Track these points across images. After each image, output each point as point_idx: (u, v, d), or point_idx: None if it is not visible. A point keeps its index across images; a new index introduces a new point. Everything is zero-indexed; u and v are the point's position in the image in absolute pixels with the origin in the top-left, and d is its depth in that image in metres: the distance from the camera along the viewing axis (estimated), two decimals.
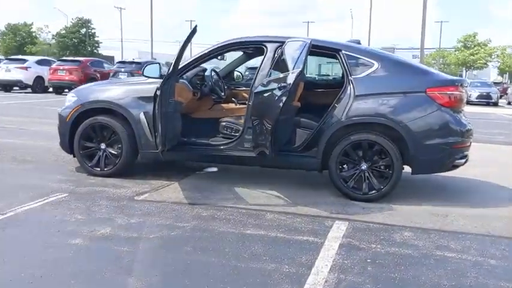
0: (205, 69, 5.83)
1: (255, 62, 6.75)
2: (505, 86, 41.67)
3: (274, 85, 4.46)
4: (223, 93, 5.88)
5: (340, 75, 5.56)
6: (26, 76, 21.26)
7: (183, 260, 3.18)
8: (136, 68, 19.31)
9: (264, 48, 5.09)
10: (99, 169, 5.39)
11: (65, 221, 3.88)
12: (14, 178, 5.27)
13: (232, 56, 6.58)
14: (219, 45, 5.27)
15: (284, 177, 5.61)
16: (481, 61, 59.70)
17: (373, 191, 4.73)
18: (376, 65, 4.87)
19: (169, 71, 4.67)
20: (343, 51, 4.98)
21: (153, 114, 4.98)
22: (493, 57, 62.27)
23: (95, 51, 61.41)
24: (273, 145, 4.41)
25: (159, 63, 5.28)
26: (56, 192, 4.66)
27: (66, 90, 19.70)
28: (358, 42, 5.50)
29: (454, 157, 4.77)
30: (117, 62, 24.15)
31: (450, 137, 4.69)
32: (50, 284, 2.83)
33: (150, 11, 43.14)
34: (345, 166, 4.85)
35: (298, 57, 4.37)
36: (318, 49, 5.06)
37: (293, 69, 4.36)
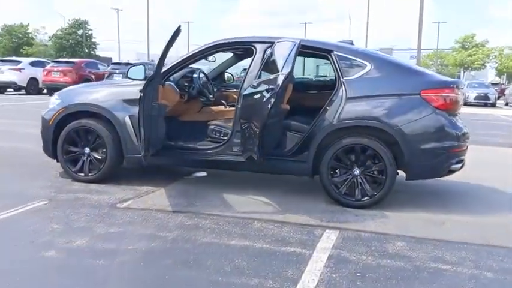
0: (193, 71, 5.64)
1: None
2: (502, 86, 41.56)
3: (262, 87, 4.28)
4: (211, 96, 5.70)
5: None
6: (20, 78, 21.07)
7: (161, 274, 2.99)
8: None
9: (253, 49, 4.91)
10: (83, 174, 5.20)
11: (40, 231, 3.68)
12: None
13: (222, 57, 6.40)
14: (206, 46, 5.08)
15: (275, 182, 5.42)
16: (478, 62, 59.77)
17: (366, 198, 4.55)
18: (368, 66, 4.68)
19: (153, 73, 4.48)
20: (334, 52, 4.80)
21: (138, 117, 4.79)
22: (490, 58, 62.37)
23: (92, 52, 61.23)
24: (260, 149, 4.23)
25: (144, 65, 5.08)
26: (35, 199, 4.47)
27: None
28: (351, 43, 5.31)
29: (450, 162, 4.58)
30: (112, 63, 23.93)
31: (446, 141, 4.51)
32: None
33: (147, 11, 42.96)
34: (336, 171, 4.67)
35: (287, 59, 4.19)
36: (308, 50, 4.88)
37: (281, 71, 4.18)
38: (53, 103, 5.44)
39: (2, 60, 24.59)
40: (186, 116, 5.64)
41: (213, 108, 5.77)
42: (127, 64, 21.12)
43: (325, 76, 17.13)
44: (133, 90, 4.89)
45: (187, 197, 4.72)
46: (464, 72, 62.34)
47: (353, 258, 3.34)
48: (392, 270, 3.15)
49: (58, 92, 5.78)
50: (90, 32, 62.69)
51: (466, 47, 61.12)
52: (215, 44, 5.08)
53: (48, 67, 21.18)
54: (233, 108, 5.20)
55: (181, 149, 4.97)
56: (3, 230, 3.75)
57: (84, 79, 19.46)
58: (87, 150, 5.19)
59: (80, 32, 61.65)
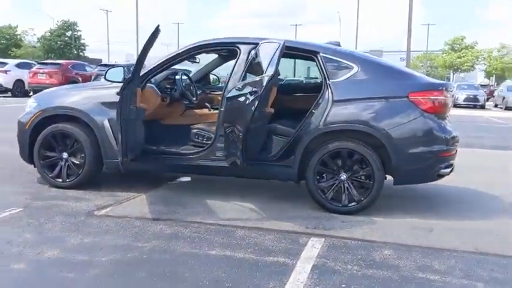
0: (176, 73, 5.47)
1: None
2: (491, 88, 41.83)
3: (245, 90, 4.13)
4: (194, 98, 5.52)
5: None
6: (6, 80, 20.76)
7: None
8: None
9: (237, 50, 4.76)
10: (60, 180, 5.01)
11: (10, 241, 3.49)
12: None
13: (207, 59, 6.24)
14: (189, 47, 4.92)
15: (260, 188, 5.27)
16: (468, 64, 60.17)
17: (353, 203, 4.41)
18: (355, 68, 4.55)
19: (130, 75, 4.31)
20: (321, 54, 4.66)
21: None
22: (479, 59, 62.82)
23: (81, 54, 60.71)
24: (244, 154, 4.08)
25: (123, 67, 4.91)
26: (9, 207, 4.28)
27: None
28: (338, 44, 5.18)
29: (439, 166, 4.46)
30: (99, 65, 23.66)
31: (434, 145, 4.39)
32: None
33: (136, 12, 42.63)
34: (323, 176, 4.53)
35: (271, 60, 4.04)
36: (294, 51, 4.74)
37: (265, 72, 4.03)
38: (30, 106, 5.26)
39: None
40: (169, 119, 5.46)
41: (197, 111, 5.61)
42: (114, 66, 20.87)
43: (316, 78, 17.01)
44: (113, 92, 4.71)
45: (168, 204, 4.55)
46: (453, 74, 62.71)
47: (338, 268, 3.19)
48: (379, 282, 3.01)
49: (35, 95, 5.59)
50: (79, 34, 62.25)
51: (456, 48, 61.50)
52: (198, 45, 4.92)
53: (34, 69, 20.91)
54: (217, 111, 5.04)
55: (163, 154, 4.81)
56: None
57: (70, 81, 19.21)
58: (65, 155, 5.01)
59: (69, 33, 61.13)
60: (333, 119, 4.44)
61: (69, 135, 4.97)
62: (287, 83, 7.19)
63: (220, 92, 5.95)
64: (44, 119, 5.04)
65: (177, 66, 5.38)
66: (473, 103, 27.35)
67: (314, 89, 5.53)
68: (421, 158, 4.38)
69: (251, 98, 3.98)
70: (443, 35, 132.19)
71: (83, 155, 4.93)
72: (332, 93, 4.48)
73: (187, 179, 5.71)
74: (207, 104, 5.71)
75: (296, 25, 67.07)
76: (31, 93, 21.10)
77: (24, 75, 20.84)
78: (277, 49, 4.09)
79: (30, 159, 5.12)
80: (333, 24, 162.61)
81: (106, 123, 4.79)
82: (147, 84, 4.78)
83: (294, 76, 18.34)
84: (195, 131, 4.94)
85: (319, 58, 4.64)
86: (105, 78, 4.79)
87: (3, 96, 20.96)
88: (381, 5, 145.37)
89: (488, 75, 66.97)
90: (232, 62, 5.01)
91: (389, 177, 4.53)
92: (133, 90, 4.32)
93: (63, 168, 5.00)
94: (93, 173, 5.01)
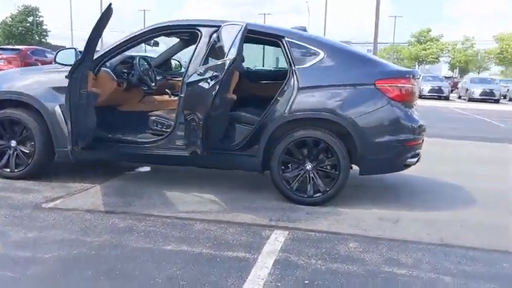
0: (133, 57, 5.17)
1: None
2: (455, 80, 42.74)
3: (206, 74, 3.89)
4: (153, 84, 5.24)
5: None
6: None
7: None
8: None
9: (198, 33, 4.51)
10: (8, 170, 4.67)
11: None
12: None
13: (168, 43, 5.96)
14: (145, 30, 4.62)
15: (222, 178, 5.06)
16: (433, 56, 61.36)
17: (319, 194, 4.26)
18: (322, 54, 4.37)
19: (80, 57, 4.00)
20: (286, 38, 4.46)
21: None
22: (444, 52, 64.17)
23: (43, 40, 58.67)
24: (204, 142, 3.85)
25: (75, 49, 4.58)
26: None
27: None
28: (304, 30, 4.98)
29: (406, 156, 4.34)
30: (58, 51, 22.74)
31: (401, 133, 4.27)
32: None
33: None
34: (288, 166, 4.35)
35: (232, 43, 3.81)
36: (258, 35, 4.52)
37: (227, 56, 3.80)
38: None
39: None
40: (126, 105, 5.17)
41: (156, 97, 5.34)
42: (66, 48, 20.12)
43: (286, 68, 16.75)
44: (64, 76, 4.38)
45: (124, 196, 4.29)
46: (419, 65, 63.76)
47: (301, 262, 3.02)
48: (344, 276, 2.85)
49: None
50: (41, 19, 60.12)
51: (421, 41, 62.60)
52: (156, 27, 4.62)
53: None
54: (178, 98, 4.79)
55: (119, 142, 4.52)
56: None
57: None
58: (13, 143, 4.66)
59: (31, 19, 58.97)
60: (299, 107, 4.26)
61: (18, 122, 4.62)
62: (255, 71, 6.97)
63: (180, 78, 5.70)
64: None
65: (145, 54, 5.10)
66: (438, 94, 27.94)
67: (283, 77, 5.36)
68: (388, 147, 4.25)
69: (212, 82, 3.75)
70: (410, 27, 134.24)
71: (32, 143, 4.61)
72: (297, 80, 4.30)
73: (147, 169, 5.45)
74: (167, 90, 5.43)
75: (264, 14, 66.57)
76: None
77: None
78: (239, 31, 3.86)
79: None
80: (302, 15, 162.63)
81: (57, 109, 4.46)
82: (102, 68, 4.48)
83: (263, 66, 18.09)
84: (153, 118, 4.66)
85: (284, 43, 4.44)
86: (55, 61, 4.46)
87: None
88: None
89: (452, 67, 68.46)
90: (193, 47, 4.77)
91: (355, 167, 4.40)
92: (84, 73, 4.01)
93: (12, 157, 4.66)
94: (43, 163, 4.69)
